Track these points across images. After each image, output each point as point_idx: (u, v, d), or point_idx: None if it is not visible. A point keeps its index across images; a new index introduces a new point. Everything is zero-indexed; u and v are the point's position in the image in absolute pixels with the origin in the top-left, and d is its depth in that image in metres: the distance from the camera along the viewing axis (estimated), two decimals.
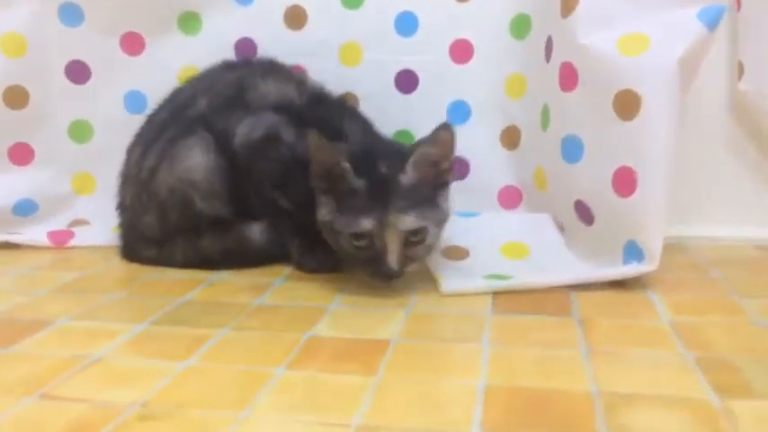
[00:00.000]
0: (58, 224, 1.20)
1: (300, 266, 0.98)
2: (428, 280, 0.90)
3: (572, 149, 0.96)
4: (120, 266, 1.02)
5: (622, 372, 0.63)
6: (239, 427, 0.54)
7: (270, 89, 1.02)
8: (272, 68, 1.06)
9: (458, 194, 1.14)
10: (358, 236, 0.84)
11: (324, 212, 0.87)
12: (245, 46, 1.18)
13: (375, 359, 0.66)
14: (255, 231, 1.00)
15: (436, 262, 0.94)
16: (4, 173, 1.18)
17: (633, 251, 0.89)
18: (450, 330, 0.75)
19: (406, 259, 0.84)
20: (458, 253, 0.98)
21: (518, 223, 1.04)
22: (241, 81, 1.03)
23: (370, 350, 0.69)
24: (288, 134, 0.96)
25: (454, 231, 1.02)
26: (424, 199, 0.85)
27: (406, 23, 1.15)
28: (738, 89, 1.05)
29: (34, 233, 1.16)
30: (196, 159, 0.98)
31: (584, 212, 0.97)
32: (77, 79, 1.20)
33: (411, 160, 0.84)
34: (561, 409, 0.56)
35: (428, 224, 0.85)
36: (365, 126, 1.02)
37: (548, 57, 1.03)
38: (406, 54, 1.16)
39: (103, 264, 1.03)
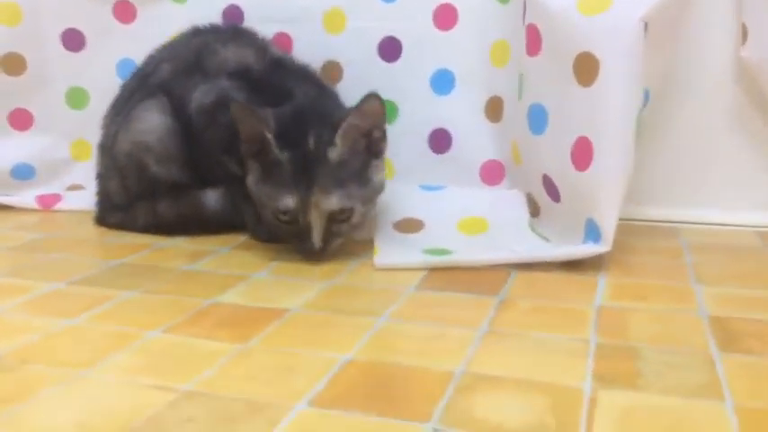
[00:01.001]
0: (55, 189, 1.23)
1: (254, 236, 0.97)
2: (371, 253, 0.86)
3: (538, 120, 0.89)
4: (87, 230, 1.04)
5: (506, 355, 0.57)
6: (70, 385, 0.53)
7: (229, 55, 1.00)
8: (236, 34, 1.05)
9: (439, 168, 1.12)
10: (282, 212, 0.83)
11: (251, 180, 0.86)
12: (233, 13, 1.16)
13: (257, 328, 0.63)
14: (211, 198, 0.99)
15: (384, 233, 0.90)
16: (4, 137, 1.23)
17: (592, 230, 0.81)
18: (357, 304, 0.71)
19: (330, 236, 0.82)
20: (411, 226, 0.93)
21: (484, 198, 0.98)
22: (201, 47, 1.02)
23: (259, 319, 0.66)
24: (239, 99, 0.94)
25: (414, 204, 0.98)
26: (352, 175, 0.83)
27: None
28: (741, 56, 0.93)
29: (26, 196, 1.21)
30: (150, 122, 0.98)
31: (551, 188, 0.89)
32: (73, 47, 1.23)
33: (339, 132, 0.82)
34: (411, 388, 0.52)
35: (354, 203, 0.82)
36: (320, 93, 0.99)
37: (523, 20, 0.95)
38: (390, 20, 1.12)
39: (73, 227, 1.05)
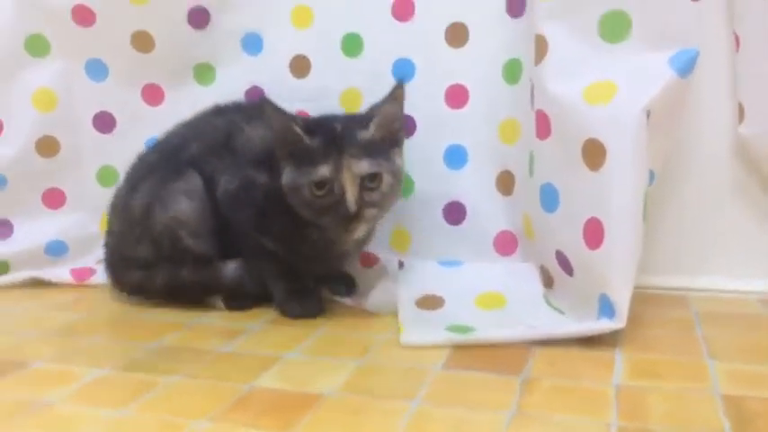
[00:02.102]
0: (86, 263, 1.29)
1: (283, 312, 1.01)
2: (395, 330, 0.91)
3: (549, 198, 0.95)
4: (120, 307, 1.09)
5: None
6: None
7: (253, 133, 1.07)
8: (259, 112, 1.10)
9: (454, 239, 1.17)
10: (318, 184, 0.90)
11: (286, 177, 0.94)
12: (255, 93, 1.24)
13: (297, 415, 0.68)
14: (230, 268, 1.05)
15: (406, 310, 0.94)
16: (38, 215, 1.29)
17: (606, 306, 0.85)
18: (389, 386, 0.75)
19: (363, 203, 0.90)
20: (432, 302, 0.98)
21: (499, 273, 1.03)
22: (228, 127, 1.09)
23: (298, 405, 0.70)
24: (261, 177, 1.01)
25: (433, 280, 1.03)
26: (379, 151, 0.92)
27: (404, 69, 1.17)
28: (739, 133, 0.99)
29: (63, 273, 1.26)
30: (185, 204, 1.04)
31: (564, 263, 0.94)
32: (104, 129, 1.30)
33: (376, 120, 0.92)
34: None
35: (383, 171, 0.92)
36: None
37: (531, 103, 1.02)
38: (405, 99, 1.18)
39: (107, 304, 1.10)
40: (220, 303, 1.07)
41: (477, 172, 1.15)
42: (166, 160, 1.12)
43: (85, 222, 1.31)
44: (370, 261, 1.12)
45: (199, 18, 1.23)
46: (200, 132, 1.12)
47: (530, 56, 1.03)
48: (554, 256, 0.96)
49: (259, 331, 0.94)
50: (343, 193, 0.89)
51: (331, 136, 0.92)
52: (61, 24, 1.21)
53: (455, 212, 1.16)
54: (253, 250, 1.03)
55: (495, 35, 1.11)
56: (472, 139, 1.15)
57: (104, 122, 1.29)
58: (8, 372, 0.81)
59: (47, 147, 1.27)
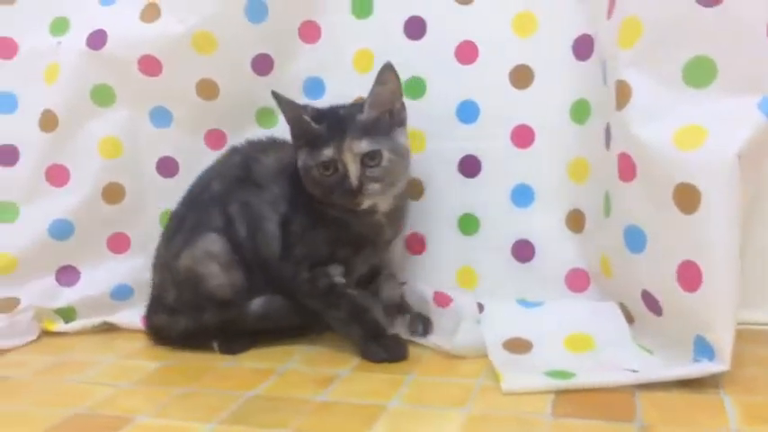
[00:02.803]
0: None
1: (366, 357, 1.02)
2: (490, 375, 0.91)
3: (635, 240, 0.96)
4: (189, 355, 1.09)
5: None
6: None
7: (270, 161, 1.14)
8: (272, 144, 1.17)
9: (524, 277, 1.17)
10: (324, 165, 1.00)
11: (300, 161, 1.04)
12: None
13: None
14: (256, 304, 1.09)
15: (497, 355, 0.95)
16: (103, 260, 1.30)
17: (703, 347, 0.86)
18: None
19: (365, 179, 1.00)
20: (520, 346, 0.98)
21: (583, 312, 1.03)
22: (244, 161, 1.15)
23: None
24: (284, 204, 1.10)
25: (516, 322, 1.03)
26: (379, 131, 1.02)
27: (468, 111, 1.19)
28: None
29: (130, 316, 1.26)
30: (208, 244, 1.10)
31: (651, 303, 0.95)
32: (167, 173, 1.31)
33: (367, 102, 1.02)
34: None
35: (382, 148, 1.00)
36: None
37: (607, 144, 1.03)
38: (469, 140, 1.20)
39: (176, 352, 1.10)
40: (215, 345, 1.09)
41: (544, 210, 1.16)
42: (191, 208, 1.16)
43: (148, 265, 1.31)
44: (443, 301, 1.13)
45: (263, 65, 1.25)
46: (218, 172, 1.17)
47: (599, 97, 1.06)
48: (639, 296, 0.96)
49: (349, 377, 0.95)
50: (346, 171, 0.99)
51: (335, 121, 1.02)
52: (127, 74, 1.23)
53: (524, 250, 1.17)
54: (327, 298, 1.06)
55: (561, 77, 1.13)
56: (539, 179, 1.17)
57: (167, 167, 1.31)
58: (117, 428, 0.81)
59: (113, 193, 1.28)
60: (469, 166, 1.20)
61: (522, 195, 1.18)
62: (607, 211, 1.05)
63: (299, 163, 1.05)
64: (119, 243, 1.31)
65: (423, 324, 1.10)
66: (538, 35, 1.14)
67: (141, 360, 1.07)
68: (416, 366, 0.98)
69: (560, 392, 0.85)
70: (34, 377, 1.02)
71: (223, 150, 1.26)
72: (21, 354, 1.14)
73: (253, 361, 1.04)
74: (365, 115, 1.02)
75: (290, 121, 1.06)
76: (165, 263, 1.15)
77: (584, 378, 0.86)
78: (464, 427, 0.77)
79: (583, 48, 1.11)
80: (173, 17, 1.20)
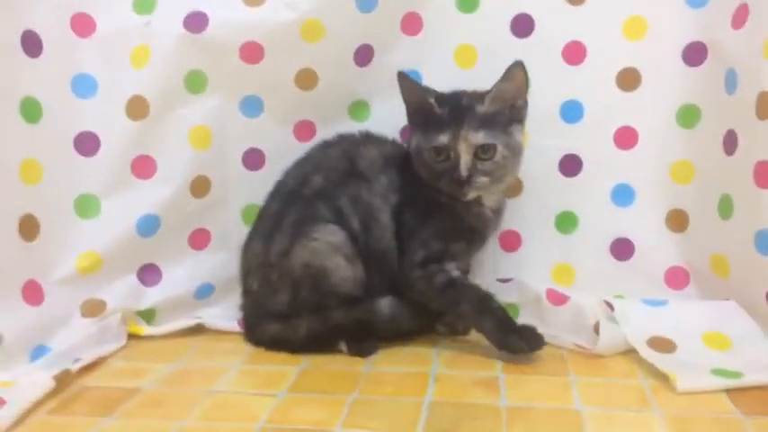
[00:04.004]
0: (232, 306, 1.23)
1: (504, 348, 1.02)
2: (648, 374, 0.94)
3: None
4: (322, 356, 1.05)
5: None
6: None
7: (374, 153, 1.12)
8: (368, 137, 1.16)
9: (621, 275, 1.21)
10: (437, 150, 1.02)
11: (413, 141, 1.06)
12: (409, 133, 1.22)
13: None
14: (384, 305, 1.07)
15: (652, 354, 0.98)
16: (184, 257, 1.22)
17: None
18: None
19: (476, 171, 1.01)
20: (664, 344, 1.01)
21: (710, 312, 1.07)
22: (346, 155, 1.12)
23: None
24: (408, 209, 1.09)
25: (650, 321, 1.07)
26: (496, 125, 1.03)
27: (572, 110, 1.21)
28: None
29: (215, 316, 1.20)
30: (326, 239, 1.06)
31: None
32: (253, 166, 1.24)
33: (489, 95, 1.03)
34: None
35: (497, 143, 1.01)
36: None
37: (730, 150, 1.08)
38: (571, 139, 1.22)
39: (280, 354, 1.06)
40: (344, 347, 1.06)
41: (645, 210, 1.20)
42: (291, 203, 1.11)
43: (229, 262, 1.24)
44: (559, 299, 1.14)
45: (364, 56, 1.21)
46: (318, 166, 1.14)
47: (715, 104, 1.11)
48: (764, 296, 1.02)
49: (509, 380, 0.95)
50: (457, 160, 1.00)
51: (455, 108, 1.03)
52: (225, 61, 1.15)
53: (623, 248, 1.21)
54: (439, 297, 1.06)
55: (669, 81, 1.17)
56: (640, 179, 1.20)
57: (254, 159, 1.24)
58: None
59: (200, 186, 1.20)
60: (570, 165, 1.22)
61: (623, 195, 1.21)
62: (726, 212, 1.09)
63: (413, 143, 1.06)
64: (200, 239, 1.24)
65: (463, 324, 1.12)
66: (647, 39, 1.17)
67: (270, 365, 1.02)
68: (570, 366, 0.99)
69: (730, 391, 0.89)
70: (169, 388, 0.95)
71: (312, 143, 1.23)
72: (124, 361, 1.06)
73: (389, 365, 1.01)
74: (485, 108, 1.03)
75: (411, 102, 1.07)
76: (265, 263, 1.10)
77: (752, 377, 0.91)
78: (670, 430, 0.80)
79: (694, 54, 1.15)
80: (281, 2, 1.13)
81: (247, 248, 1.15)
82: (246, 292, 1.14)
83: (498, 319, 1.03)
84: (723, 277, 1.11)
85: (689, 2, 1.14)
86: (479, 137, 1.01)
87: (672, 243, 1.19)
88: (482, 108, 1.02)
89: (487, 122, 1.02)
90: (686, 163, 1.18)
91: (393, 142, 1.18)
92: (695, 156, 1.17)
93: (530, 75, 1.19)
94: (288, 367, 1.01)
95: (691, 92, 1.16)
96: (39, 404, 0.88)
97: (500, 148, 1.02)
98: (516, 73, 1.03)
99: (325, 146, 1.16)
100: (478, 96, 1.05)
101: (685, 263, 1.19)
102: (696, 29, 1.14)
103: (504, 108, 1.04)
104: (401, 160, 1.12)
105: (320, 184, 1.10)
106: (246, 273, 1.14)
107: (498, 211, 1.13)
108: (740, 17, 1.06)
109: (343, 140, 1.16)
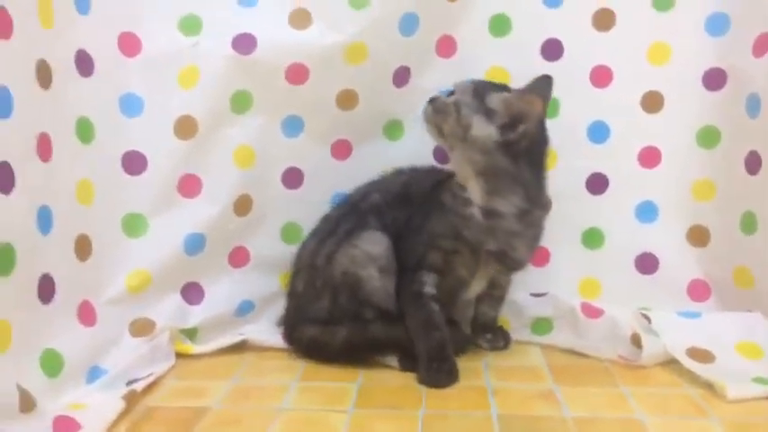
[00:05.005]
0: (272, 322, 1.25)
1: (420, 375, 1.03)
2: (692, 383, 1.00)
3: None
4: (366, 369, 1.07)
5: None
6: None
7: (426, 184, 1.16)
8: (431, 170, 1.21)
9: (646, 289, 1.27)
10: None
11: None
12: (443, 154, 1.26)
13: None
14: None
15: (694, 364, 1.03)
16: (224, 276, 1.23)
17: None
18: None
19: (439, 100, 1.12)
20: (702, 355, 1.07)
21: (740, 322, 1.13)
22: (408, 182, 1.18)
23: None
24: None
25: (687, 333, 1.12)
26: (482, 104, 1.07)
27: (599, 131, 1.27)
28: None
29: (258, 333, 1.21)
30: (366, 247, 1.10)
31: None
32: (292, 185, 1.26)
33: (498, 96, 1.07)
34: None
35: (467, 108, 1.06)
36: None
37: (753, 170, 1.15)
38: (598, 159, 1.28)
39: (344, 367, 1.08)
40: (395, 363, 1.09)
41: (668, 225, 1.27)
42: (347, 213, 1.17)
43: (268, 280, 1.27)
44: (593, 313, 1.20)
45: (402, 77, 1.25)
46: (380, 186, 1.20)
47: (734, 126, 1.18)
48: None
49: (564, 392, 0.98)
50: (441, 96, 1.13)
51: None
52: (271, 81, 1.17)
53: (647, 263, 1.27)
54: (404, 301, 1.09)
55: (690, 104, 1.24)
56: (664, 196, 1.27)
57: (293, 178, 1.26)
58: None
59: (243, 205, 1.21)
60: (597, 184, 1.28)
61: (647, 211, 1.28)
62: (750, 228, 1.16)
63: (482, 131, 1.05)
64: (239, 257, 1.25)
65: (504, 339, 1.19)
66: (671, 64, 1.24)
67: (327, 381, 1.04)
68: (610, 377, 1.04)
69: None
70: (237, 406, 0.96)
71: (349, 161, 1.27)
72: (178, 380, 1.06)
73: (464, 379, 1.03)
74: (488, 102, 1.07)
75: (531, 117, 1.05)
76: (313, 265, 1.13)
77: None
78: None
79: (714, 79, 1.22)
80: (325, 25, 1.16)
81: (303, 246, 1.19)
82: (291, 294, 1.18)
83: (429, 347, 1.04)
84: (748, 288, 1.18)
85: (709, 31, 1.21)
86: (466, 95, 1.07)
87: (693, 257, 1.26)
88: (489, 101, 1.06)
89: (477, 96, 1.07)
90: (707, 181, 1.25)
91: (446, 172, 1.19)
92: (716, 174, 1.24)
93: (560, 97, 1.26)
94: (345, 384, 1.03)
95: (711, 114, 1.23)
96: (112, 426, 0.88)
97: (465, 111, 1.05)
98: (535, 93, 1.07)
99: (399, 172, 1.22)
100: (499, 88, 1.09)
101: (707, 276, 1.26)
102: (716, 56, 1.21)
103: (501, 111, 1.05)
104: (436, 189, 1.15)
105: (376, 200, 1.16)
106: (296, 272, 1.18)
107: (492, 216, 1.08)
108: (761, 45, 1.13)
109: (413, 170, 1.22)
